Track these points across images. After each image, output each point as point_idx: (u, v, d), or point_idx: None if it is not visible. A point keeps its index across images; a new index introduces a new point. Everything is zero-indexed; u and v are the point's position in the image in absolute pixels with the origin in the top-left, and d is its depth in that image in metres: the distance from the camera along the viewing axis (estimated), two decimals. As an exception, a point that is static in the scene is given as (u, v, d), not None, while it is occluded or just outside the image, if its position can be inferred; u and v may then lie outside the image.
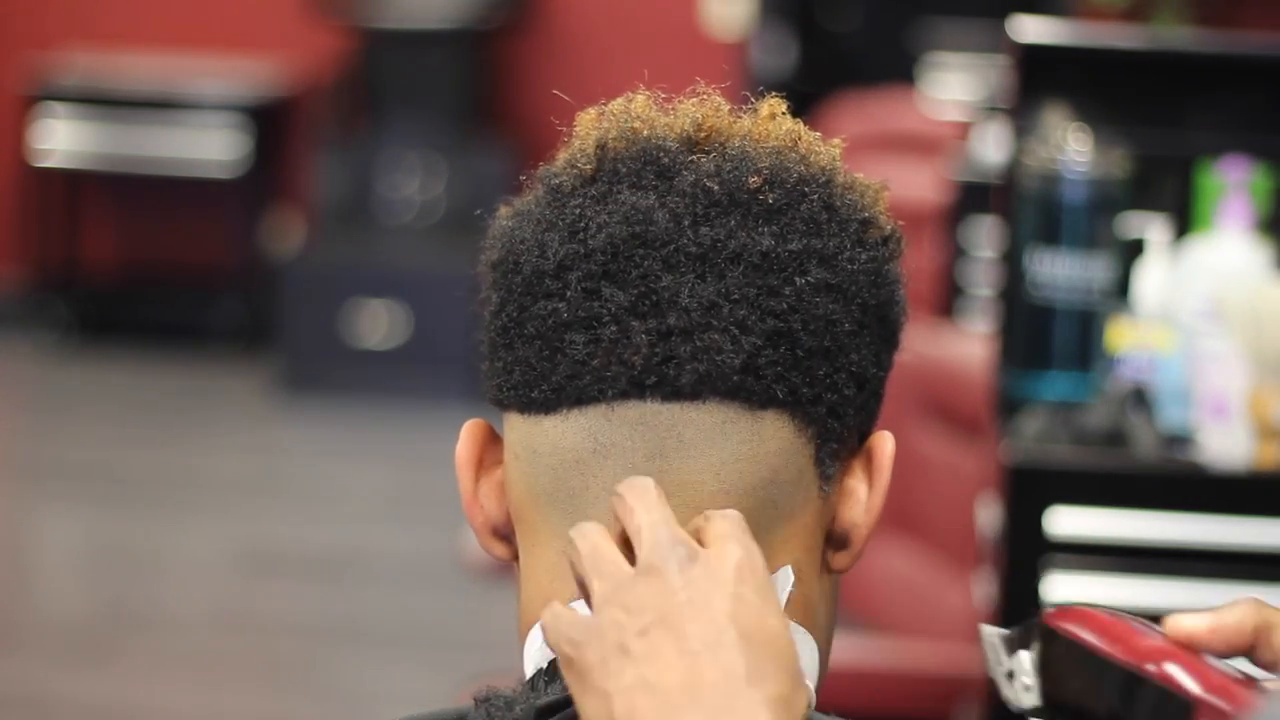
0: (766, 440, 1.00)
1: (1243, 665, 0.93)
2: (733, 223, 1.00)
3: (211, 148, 6.30)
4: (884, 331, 1.04)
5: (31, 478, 5.37)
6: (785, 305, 0.99)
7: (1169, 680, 0.89)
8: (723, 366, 0.98)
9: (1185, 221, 2.46)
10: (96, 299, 6.49)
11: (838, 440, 1.02)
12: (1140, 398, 2.20)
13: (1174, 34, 5.54)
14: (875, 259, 1.03)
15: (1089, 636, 0.92)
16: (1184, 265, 2.34)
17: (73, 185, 6.51)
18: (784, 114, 1.05)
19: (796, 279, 1.00)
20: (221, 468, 5.43)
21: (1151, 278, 2.33)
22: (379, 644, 4.26)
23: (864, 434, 1.05)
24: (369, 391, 5.91)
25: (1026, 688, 0.95)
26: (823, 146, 1.05)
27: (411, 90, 6.28)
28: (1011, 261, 2.35)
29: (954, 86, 5.66)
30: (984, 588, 2.28)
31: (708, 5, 6.36)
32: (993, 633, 0.96)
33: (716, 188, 1.00)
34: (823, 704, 1.03)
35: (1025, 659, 0.94)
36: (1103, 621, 0.93)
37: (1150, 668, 0.90)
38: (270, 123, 6.44)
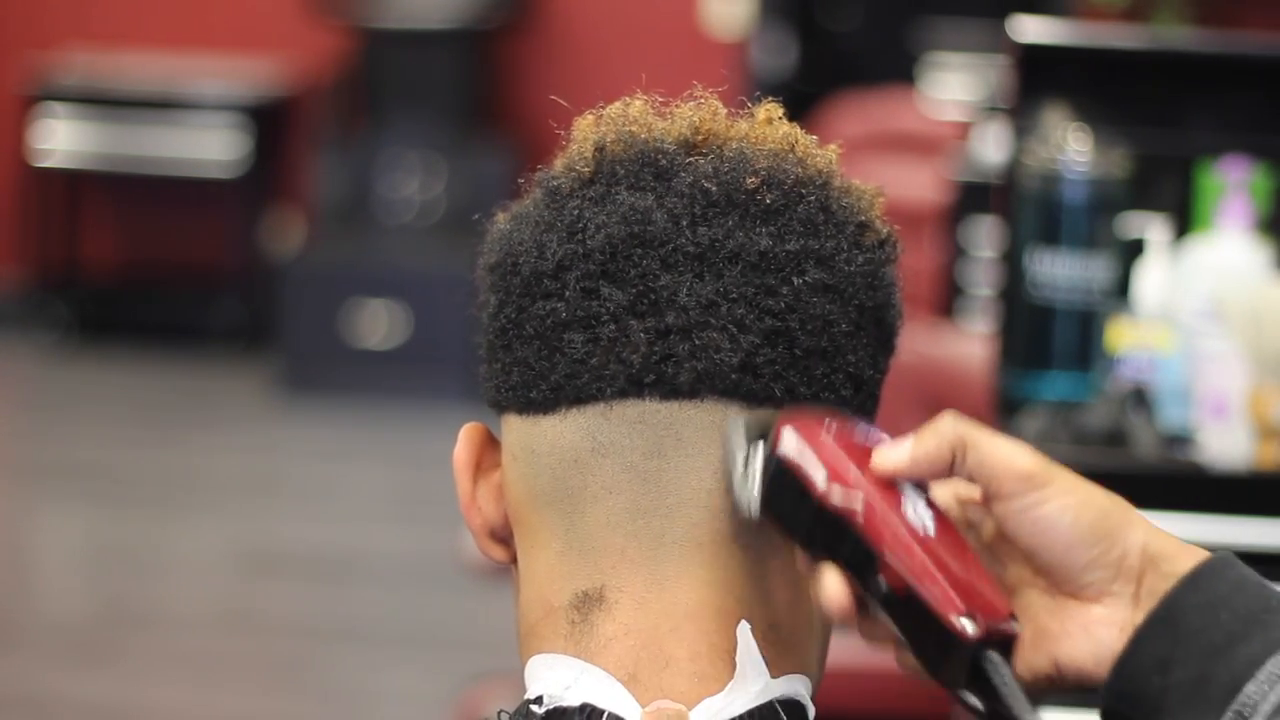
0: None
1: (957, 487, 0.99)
2: (730, 223, 1.00)
3: (211, 148, 6.30)
4: (880, 334, 1.04)
5: (31, 478, 5.37)
6: (783, 305, 0.99)
7: (856, 525, 0.94)
8: (721, 365, 0.98)
9: (1185, 221, 2.45)
10: (96, 299, 6.50)
11: (835, 441, 1.02)
12: (1140, 398, 2.20)
13: (1174, 34, 5.54)
14: (872, 261, 1.03)
15: (800, 457, 0.95)
16: (1184, 265, 2.34)
17: (73, 185, 6.51)
18: (781, 118, 1.05)
19: (794, 279, 1.00)
20: (221, 468, 5.43)
21: (1151, 278, 2.33)
22: (379, 644, 4.26)
23: (861, 438, 1.05)
24: (369, 391, 5.91)
25: (752, 486, 0.97)
26: (820, 150, 1.05)
27: (411, 90, 6.28)
28: (1011, 261, 2.34)
29: (954, 86, 5.66)
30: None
31: (708, 5, 6.37)
32: (739, 423, 0.98)
33: (714, 188, 1.00)
34: (822, 704, 1.03)
35: (758, 459, 0.96)
36: (821, 442, 0.95)
37: (842, 507, 0.94)
38: (270, 123, 6.44)
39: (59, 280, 6.46)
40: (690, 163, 1.01)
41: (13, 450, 5.67)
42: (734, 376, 0.98)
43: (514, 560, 1.06)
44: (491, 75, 6.42)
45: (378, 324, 5.97)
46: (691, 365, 0.98)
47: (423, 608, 4.46)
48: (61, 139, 6.33)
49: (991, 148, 4.01)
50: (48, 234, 6.49)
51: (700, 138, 1.03)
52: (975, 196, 3.93)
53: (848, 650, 2.68)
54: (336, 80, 6.41)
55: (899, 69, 5.87)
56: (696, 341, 0.98)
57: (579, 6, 6.45)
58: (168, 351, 6.35)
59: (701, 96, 1.05)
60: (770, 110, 1.06)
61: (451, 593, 4.37)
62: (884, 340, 1.05)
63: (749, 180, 1.01)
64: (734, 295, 0.99)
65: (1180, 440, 2.20)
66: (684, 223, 0.99)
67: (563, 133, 1.06)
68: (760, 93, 1.08)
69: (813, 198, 1.02)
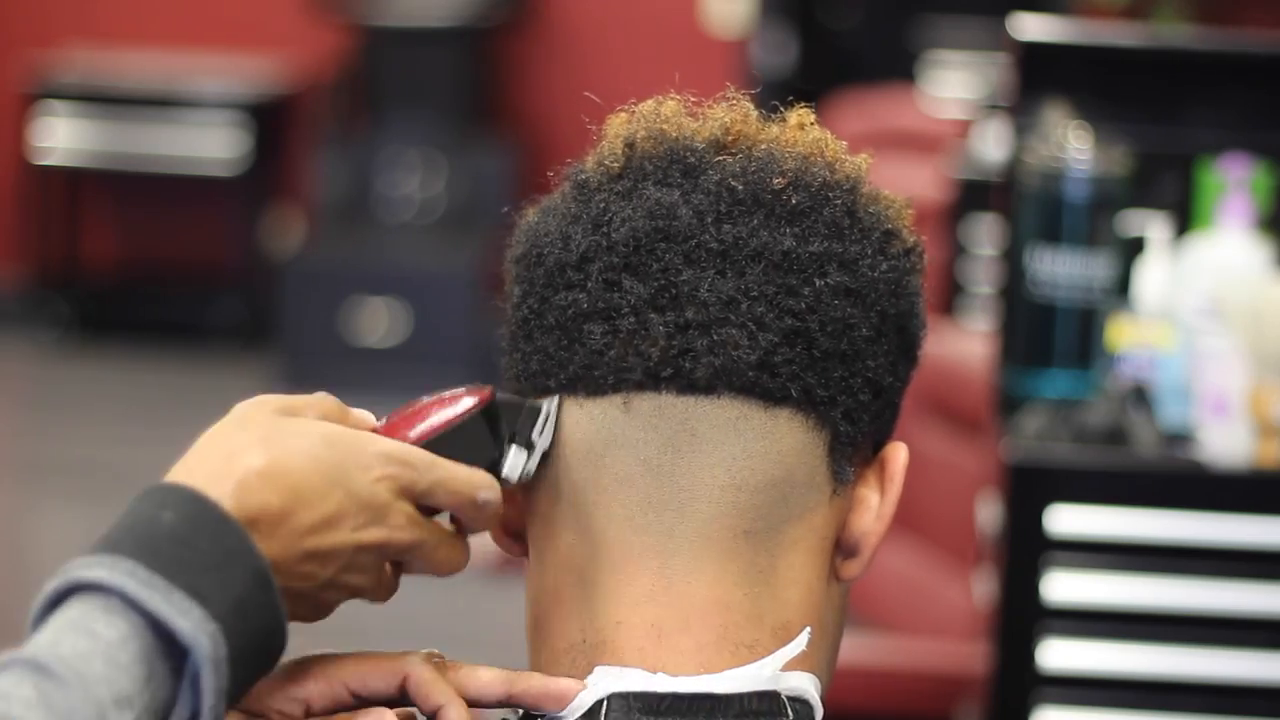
0: (780, 438, 1.00)
1: None
2: (755, 221, 1.01)
3: (212, 145, 6.30)
4: (902, 342, 1.05)
5: (32, 476, 5.37)
6: (803, 305, 1.00)
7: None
8: (739, 362, 0.99)
9: (1186, 219, 2.46)
10: (97, 297, 6.50)
11: (851, 445, 1.03)
12: (1141, 396, 2.20)
13: (1174, 31, 5.54)
14: (896, 269, 1.04)
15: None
16: (1184, 263, 2.35)
17: (73, 183, 6.51)
18: (813, 124, 1.06)
19: (816, 280, 1.00)
20: (222, 465, 5.42)
21: (1152, 275, 2.33)
22: (381, 643, 4.25)
23: (878, 443, 1.06)
24: (369, 389, 5.91)
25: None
26: (849, 157, 1.06)
27: (412, 88, 6.28)
28: (1012, 259, 2.35)
29: (954, 84, 5.66)
30: (984, 585, 2.29)
31: (708, 3, 6.37)
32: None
33: (741, 187, 1.01)
34: (824, 703, 1.03)
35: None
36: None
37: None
38: (270, 120, 6.44)
39: (59, 278, 6.46)
40: (719, 161, 1.02)
41: (13, 448, 5.67)
42: (751, 374, 0.99)
43: (527, 552, 1.07)
44: (492, 73, 6.42)
45: (378, 322, 5.97)
46: (709, 361, 0.99)
47: (425, 606, 4.46)
48: (62, 137, 6.33)
49: (992, 145, 4.02)
50: (48, 232, 6.49)
51: (730, 138, 1.04)
52: (976, 194, 3.94)
53: (849, 649, 2.69)
54: (337, 78, 6.41)
55: (899, 67, 5.88)
56: (715, 337, 0.99)
57: (579, 4, 6.45)
58: (168, 349, 6.35)
59: (734, 98, 1.06)
60: (802, 115, 1.06)
61: (454, 590, 4.37)
62: (906, 349, 1.06)
63: (776, 180, 1.02)
64: (755, 293, 0.99)
65: (1180, 438, 2.20)
66: (709, 219, 1.00)
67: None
68: (760, 91, 1.09)
69: (839, 202, 1.03)
